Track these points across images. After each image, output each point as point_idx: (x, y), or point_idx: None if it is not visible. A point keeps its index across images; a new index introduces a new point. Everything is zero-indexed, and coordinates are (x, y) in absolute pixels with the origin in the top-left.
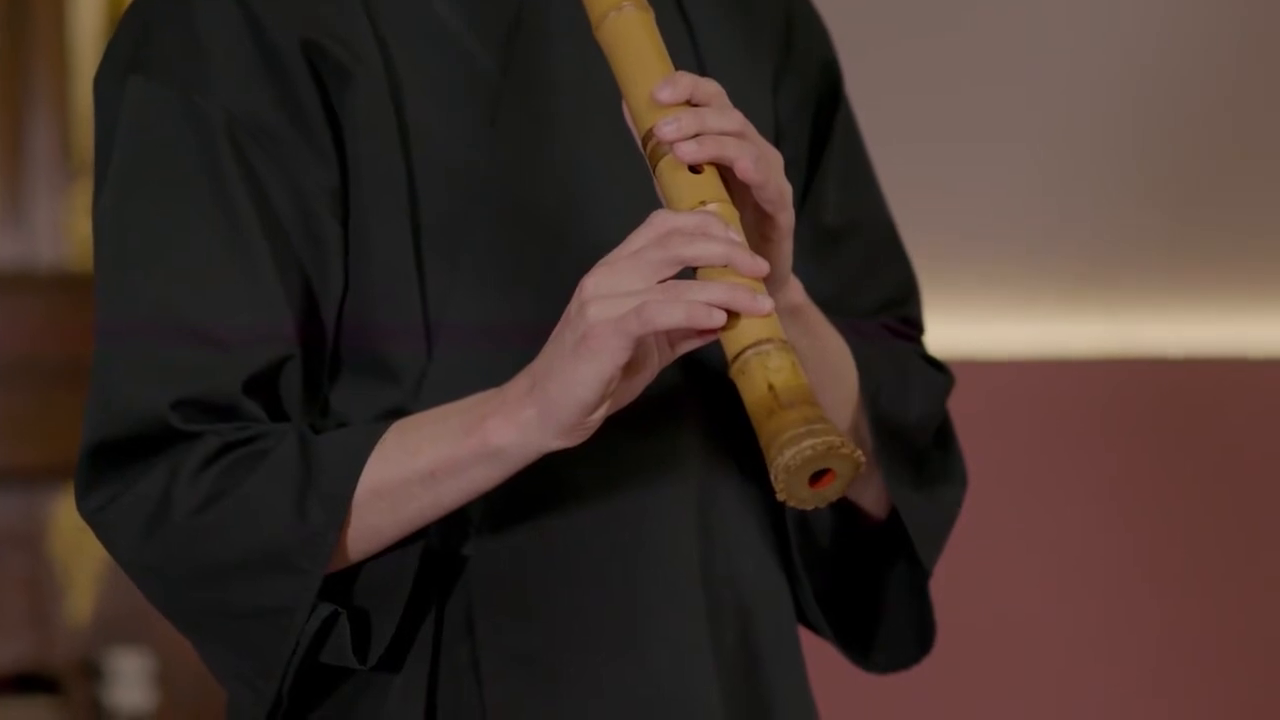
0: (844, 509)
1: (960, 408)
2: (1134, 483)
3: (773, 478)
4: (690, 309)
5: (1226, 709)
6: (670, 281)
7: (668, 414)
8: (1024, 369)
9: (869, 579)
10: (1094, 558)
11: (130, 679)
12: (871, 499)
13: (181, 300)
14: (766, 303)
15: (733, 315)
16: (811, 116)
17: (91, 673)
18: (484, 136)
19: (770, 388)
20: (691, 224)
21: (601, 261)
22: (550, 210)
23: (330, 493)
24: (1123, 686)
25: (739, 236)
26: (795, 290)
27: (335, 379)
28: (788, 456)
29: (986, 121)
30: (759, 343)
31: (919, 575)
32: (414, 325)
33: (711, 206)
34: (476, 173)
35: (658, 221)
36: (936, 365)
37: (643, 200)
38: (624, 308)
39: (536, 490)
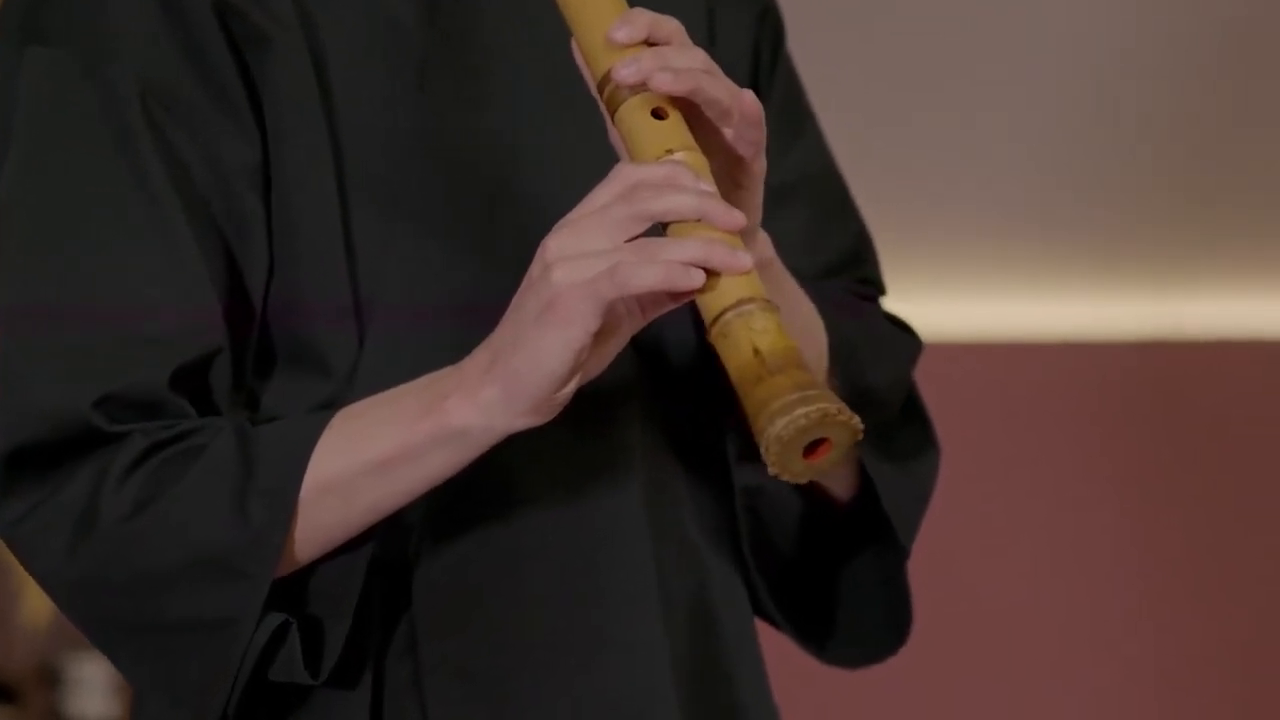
0: (804, 491)
1: (962, 391)
2: (1136, 470)
3: (763, 450)
4: (668, 269)
5: (1217, 702)
6: (641, 240)
7: (613, 406)
8: (1023, 351)
9: (833, 565)
10: (1092, 546)
11: (91, 686)
12: (838, 478)
13: (99, 286)
14: (746, 259)
15: (710, 274)
16: (750, 66)
17: (50, 680)
18: (412, 100)
19: (756, 351)
20: (659, 175)
21: (563, 221)
22: (488, 175)
23: (273, 489)
24: (1111, 680)
25: (710, 186)
26: (764, 244)
27: (263, 370)
28: (779, 427)
29: (989, 96)
30: (740, 303)
31: (894, 557)
32: (344, 306)
33: (679, 155)
34: (407, 140)
35: (622, 174)
36: (903, 327)
37: (590, 157)
38: (593, 270)
39: (480, 494)
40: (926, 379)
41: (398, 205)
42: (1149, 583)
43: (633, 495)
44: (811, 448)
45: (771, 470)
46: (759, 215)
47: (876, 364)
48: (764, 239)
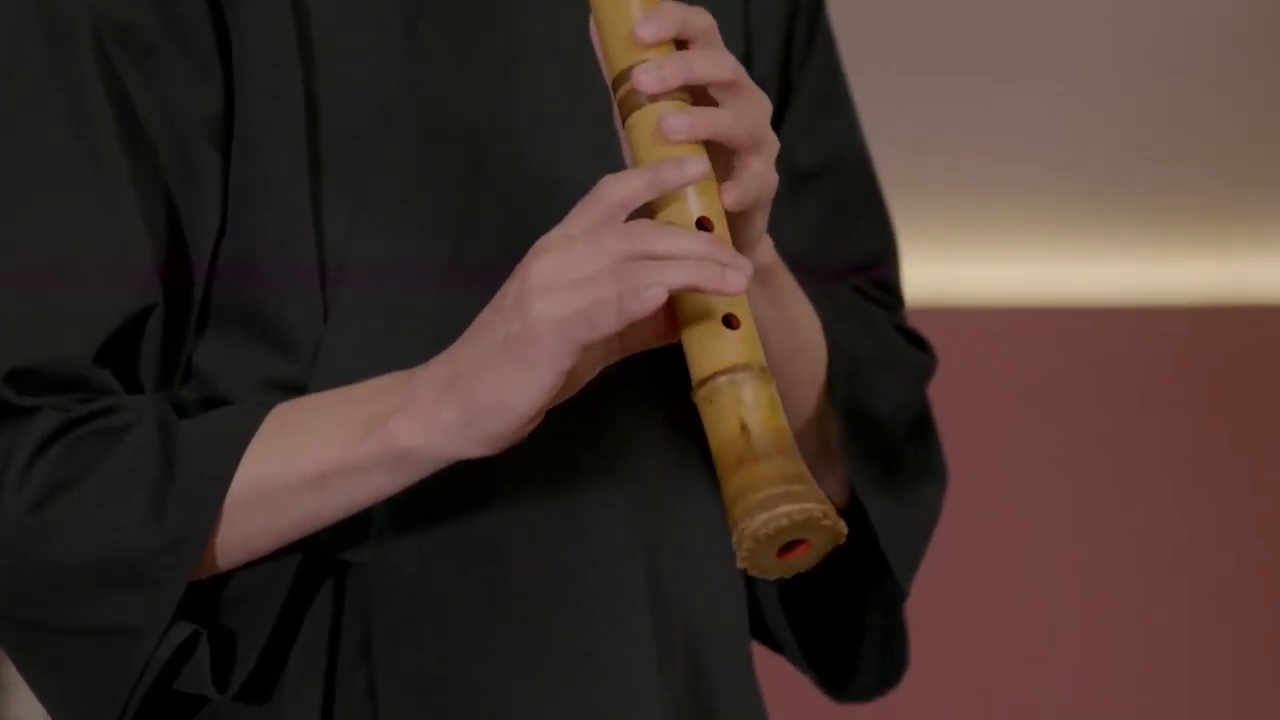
0: None
1: (1006, 358)
2: (1192, 444)
3: (734, 540)
4: (654, 301)
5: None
6: (627, 266)
7: (617, 399)
8: (1071, 317)
9: (840, 591)
10: (1146, 526)
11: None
12: (835, 490)
13: (20, 243)
14: (739, 282)
15: (703, 327)
16: (786, 31)
17: None
18: (401, 57)
19: (743, 428)
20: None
21: (550, 240)
22: (478, 141)
23: (194, 493)
24: (1157, 674)
25: (717, 216)
26: (764, 249)
27: (207, 340)
28: (758, 523)
29: (1037, 50)
30: (733, 368)
31: (892, 593)
32: (306, 273)
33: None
34: (391, 98)
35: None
36: (916, 342)
37: (592, 121)
38: (573, 305)
39: (453, 487)
40: (969, 345)
41: (374, 166)
42: (1204, 566)
43: (632, 498)
44: (788, 546)
45: (740, 564)
46: (764, 227)
47: (880, 382)
48: (766, 243)
